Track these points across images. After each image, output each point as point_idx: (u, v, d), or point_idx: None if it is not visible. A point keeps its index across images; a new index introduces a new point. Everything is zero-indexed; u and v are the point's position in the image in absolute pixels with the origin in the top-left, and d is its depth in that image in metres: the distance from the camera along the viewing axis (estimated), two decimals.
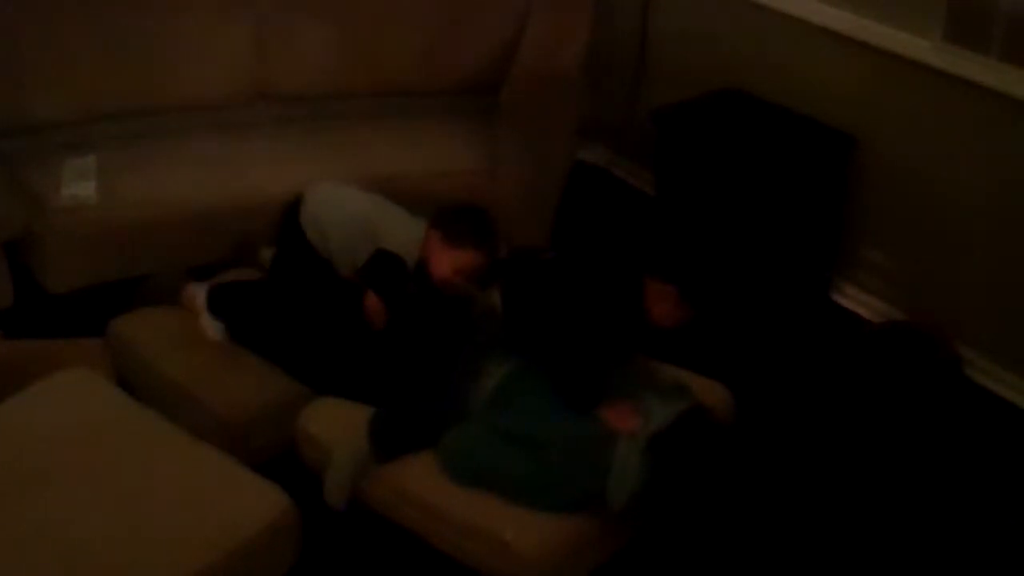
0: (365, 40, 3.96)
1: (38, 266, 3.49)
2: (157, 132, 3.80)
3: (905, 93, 3.57)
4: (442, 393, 2.80)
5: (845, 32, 3.65)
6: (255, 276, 3.33)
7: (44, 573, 2.21)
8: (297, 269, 3.27)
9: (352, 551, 2.86)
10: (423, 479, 2.69)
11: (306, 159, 3.77)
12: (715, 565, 2.88)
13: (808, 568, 2.91)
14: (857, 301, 3.92)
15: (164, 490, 2.41)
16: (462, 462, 2.68)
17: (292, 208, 3.33)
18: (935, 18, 3.40)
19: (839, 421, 3.39)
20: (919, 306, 3.72)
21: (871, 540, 2.99)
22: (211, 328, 3.09)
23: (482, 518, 2.61)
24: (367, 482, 2.75)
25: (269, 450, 2.86)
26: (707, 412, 2.70)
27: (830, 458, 3.25)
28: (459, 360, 2.84)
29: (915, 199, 3.65)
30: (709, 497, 2.61)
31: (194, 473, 2.48)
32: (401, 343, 3.01)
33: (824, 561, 2.93)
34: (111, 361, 3.04)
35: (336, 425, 2.83)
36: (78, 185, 3.49)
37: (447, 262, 3.12)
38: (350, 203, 3.32)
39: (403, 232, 3.21)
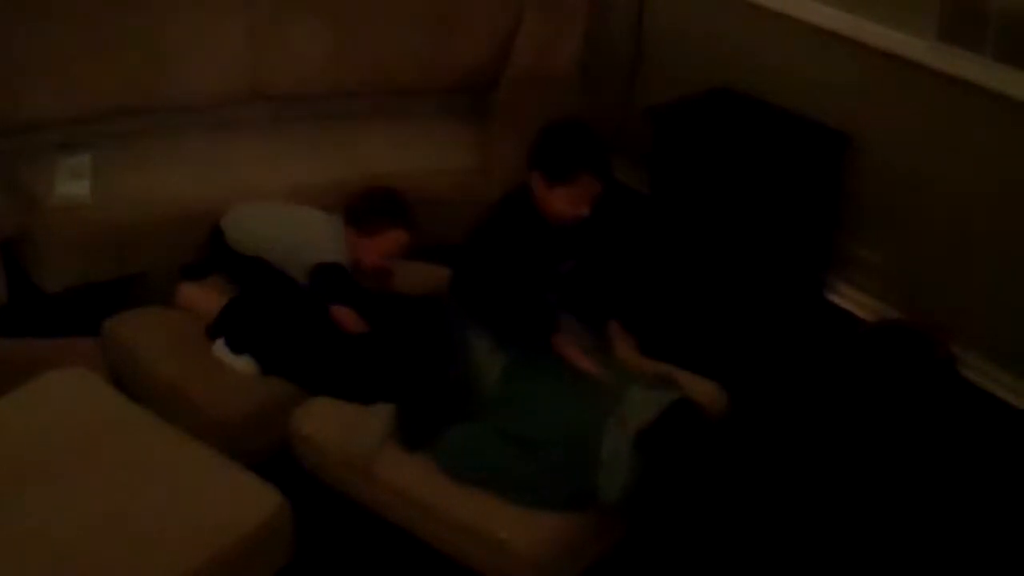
0: (360, 39, 3.96)
1: (32, 265, 3.49)
2: (152, 131, 3.80)
3: (899, 92, 3.57)
4: (449, 376, 2.82)
5: (840, 31, 3.66)
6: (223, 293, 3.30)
7: (37, 572, 2.21)
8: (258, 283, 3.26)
9: (346, 550, 2.86)
10: (418, 478, 2.69)
11: (301, 158, 3.77)
12: (708, 560, 2.88)
13: (801, 565, 2.91)
14: (851, 300, 3.92)
15: (158, 489, 2.41)
16: (459, 460, 2.69)
17: (215, 237, 3.33)
18: (929, 17, 3.40)
19: (834, 420, 3.39)
20: (913, 305, 3.73)
21: (865, 538, 3.00)
22: (244, 365, 3.03)
23: (477, 517, 2.61)
24: (363, 482, 2.76)
25: (262, 449, 2.85)
26: (694, 404, 2.70)
27: (825, 456, 3.25)
28: (450, 344, 2.86)
29: (910, 198, 3.65)
30: (700, 490, 2.61)
31: (188, 472, 2.48)
32: (387, 338, 3.03)
33: (818, 559, 2.93)
34: (105, 360, 3.03)
35: (329, 425, 2.84)
36: (72, 184, 3.49)
37: (373, 252, 3.20)
38: (263, 228, 3.31)
39: (326, 238, 3.23)
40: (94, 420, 2.59)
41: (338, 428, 2.82)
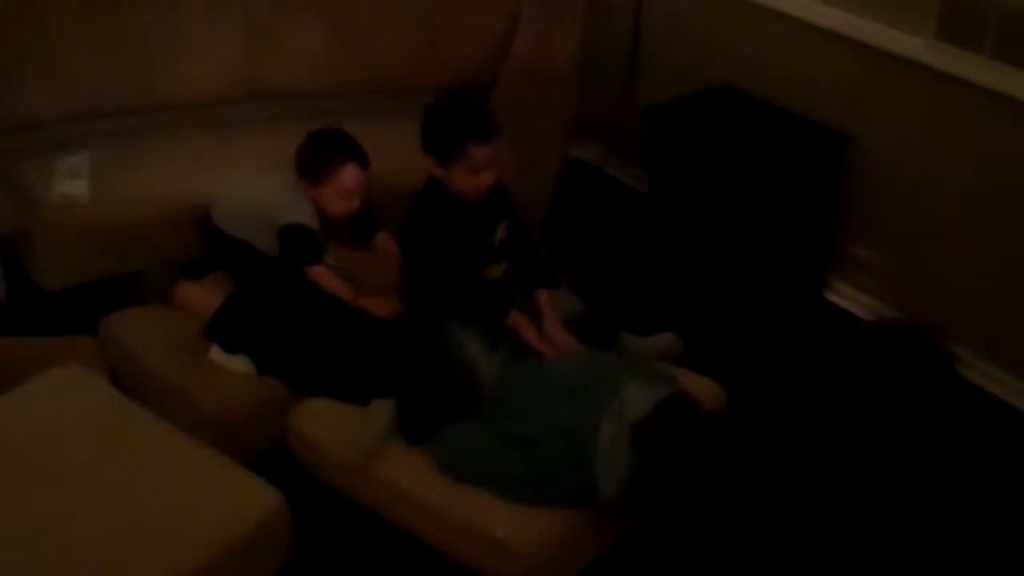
0: (356, 38, 3.96)
1: (31, 264, 3.49)
2: (149, 130, 3.80)
3: (897, 91, 3.57)
4: (449, 370, 2.82)
5: (838, 30, 3.65)
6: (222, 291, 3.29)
7: (36, 570, 2.21)
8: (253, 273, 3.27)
9: (344, 549, 2.86)
10: (415, 477, 2.69)
11: None
12: (705, 557, 2.88)
13: (798, 562, 2.91)
14: (850, 299, 3.92)
15: (156, 487, 2.41)
16: (456, 459, 2.69)
17: (207, 225, 3.35)
18: (928, 16, 3.40)
19: (832, 419, 3.39)
20: (912, 304, 3.73)
21: (863, 537, 3.00)
22: (239, 365, 3.02)
23: (475, 515, 2.61)
24: (360, 481, 2.76)
25: (260, 447, 2.85)
26: (689, 399, 2.70)
27: (823, 456, 3.25)
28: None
29: (908, 197, 3.65)
30: (696, 485, 2.61)
31: (186, 470, 2.48)
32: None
33: (815, 558, 2.93)
34: (104, 359, 3.03)
35: (327, 424, 2.84)
36: (71, 183, 3.49)
37: (332, 196, 3.15)
38: (235, 201, 3.32)
39: (286, 201, 3.20)
40: (92, 418, 2.59)
41: (336, 427, 2.82)
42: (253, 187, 3.33)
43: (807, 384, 3.53)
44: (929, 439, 3.34)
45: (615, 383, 2.75)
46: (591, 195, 4.48)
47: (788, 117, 3.83)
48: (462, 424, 2.73)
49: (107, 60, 3.66)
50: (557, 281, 3.08)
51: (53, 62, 3.59)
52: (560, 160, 4.09)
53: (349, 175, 3.16)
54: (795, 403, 3.45)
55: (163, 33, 3.73)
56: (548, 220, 3.96)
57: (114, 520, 2.32)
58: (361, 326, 3.05)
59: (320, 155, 3.17)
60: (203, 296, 3.20)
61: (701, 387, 2.92)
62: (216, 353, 3.03)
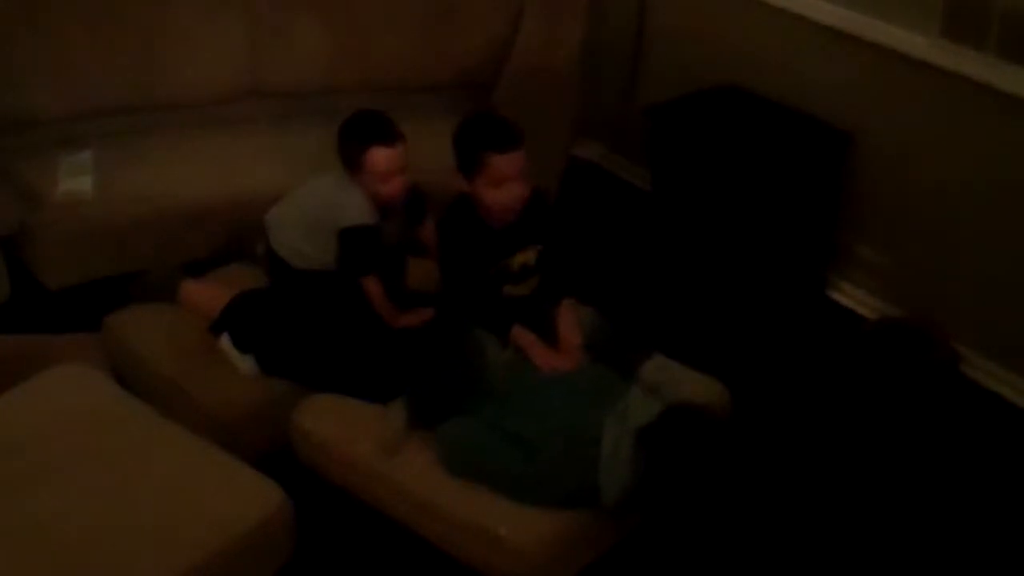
0: (359, 37, 3.96)
1: (34, 261, 3.49)
2: (153, 128, 3.81)
3: (902, 89, 3.57)
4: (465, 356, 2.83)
5: (841, 28, 3.65)
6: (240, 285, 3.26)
7: (38, 568, 2.21)
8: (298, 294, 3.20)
9: (347, 547, 2.86)
10: (418, 475, 2.69)
11: (301, 156, 3.77)
12: (709, 560, 2.88)
13: (803, 564, 2.91)
14: (853, 298, 3.92)
15: (159, 485, 2.41)
16: (459, 456, 2.69)
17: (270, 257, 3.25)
18: (932, 14, 3.40)
19: (836, 418, 3.39)
20: (915, 303, 3.72)
21: (867, 538, 2.99)
22: (246, 366, 3.00)
23: (477, 514, 2.61)
24: (362, 479, 2.76)
25: (262, 445, 2.85)
26: (696, 406, 2.70)
27: (827, 455, 3.25)
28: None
29: (911, 196, 3.65)
30: (702, 490, 2.61)
31: (189, 468, 2.48)
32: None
33: (820, 559, 2.93)
34: (107, 357, 3.04)
35: (331, 421, 2.84)
36: (74, 181, 3.50)
37: (375, 181, 3.05)
38: (292, 214, 3.22)
39: (345, 195, 3.11)
40: (95, 416, 2.59)
41: (339, 424, 2.82)
42: (306, 193, 3.24)
43: (810, 383, 3.53)
44: (933, 439, 3.33)
45: (621, 385, 2.75)
46: (594, 194, 4.48)
47: (791, 115, 3.83)
48: (466, 419, 2.73)
49: (111, 59, 3.67)
50: (570, 292, 3.04)
51: (57, 60, 3.60)
52: (563, 159, 4.09)
53: (375, 157, 3.05)
54: (798, 402, 3.44)
55: (166, 32, 3.74)
56: None
57: (116, 518, 2.32)
58: (385, 328, 3.05)
59: (349, 145, 3.10)
60: (206, 294, 3.20)
61: (706, 388, 2.91)
62: (226, 343, 3.02)
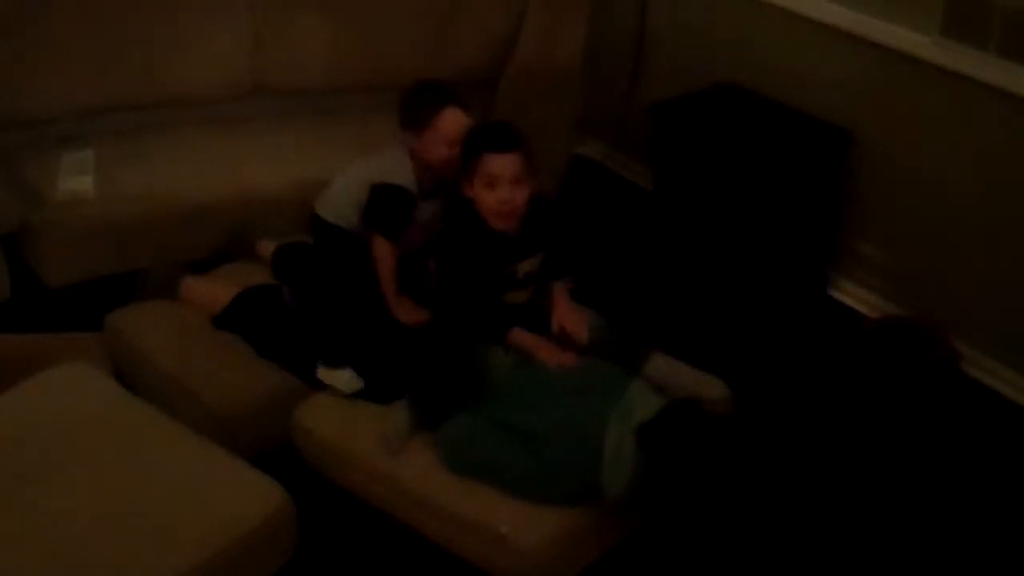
0: (362, 35, 3.96)
1: (35, 260, 3.49)
2: (154, 127, 3.80)
3: (902, 88, 3.57)
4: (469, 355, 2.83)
5: (843, 27, 3.65)
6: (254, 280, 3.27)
7: (41, 567, 2.21)
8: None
9: (348, 545, 2.86)
10: (419, 474, 2.69)
11: (303, 154, 3.77)
12: (711, 557, 2.88)
13: (803, 562, 2.91)
14: (854, 297, 3.92)
15: (161, 484, 2.41)
16: (461, 453, 2.69)
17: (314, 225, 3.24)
18: (933, 13, 3.40)
19: (836, 417, 3.39)
20: (916, 302, 3.72)
21: (868, 536, 2.99)
22: (341, 380, 2.94)
23: (478, 512, 2.61)
24: (364, 477, 2.76)
25: (265, 444, 2.86)
26: (697, 402, 2.70)
27: (828, 454, 3.25)
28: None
29: (912, 195, 3.65)
30: (703, 487, 2.61)
31: (191, 467, 2.48)
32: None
33: (820, 556, 2.93)
34: (108, 355, 3.04)
35: (332, 420, 2.84)
36: (75, 179, 3.49)
37: (437, 142, 3.02)
38: (344, 189, 3.20)
39: (389, 162, 3.10)
40: (97, 415, 2.59)
41: (341, 423, 2.82)
42: (360, 165, 3.20)
43: (811, 381, 3.53)
44: (934, 437, 3.33)
45: (624, 381, 2.75)
46: (596, 192, 4.48)
47: (793, 114, 3.83)
48: (468, 416, 2.73)
49: (112, 57, 3.66)
50: (565, 274, 3.04)
51: (58, 59, 3.59)
52: (565, 157, 4.09)
53: (451, 120, 3.02)
54: (799, 400, 3.44)
55: (168, 29, 3.73)
56: None
57: (118, 516, 2.32)
58: (390, 327, 3.04)
59: (418, 104, 3.07)
60: (208, 291, 3.21)
61: (707, 386, 2.91)
62: (323, 372, 2.96)
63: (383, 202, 3.06)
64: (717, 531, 2.89)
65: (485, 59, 4.04)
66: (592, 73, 4.16)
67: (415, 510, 2.70)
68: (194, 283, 3.25)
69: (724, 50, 4.09)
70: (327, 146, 3.81)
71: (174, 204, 3.53)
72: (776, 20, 3.87)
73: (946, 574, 2.91)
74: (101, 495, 2.36)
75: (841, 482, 3.15)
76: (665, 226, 4.06)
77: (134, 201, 3.50)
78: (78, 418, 2.56)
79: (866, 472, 3.19)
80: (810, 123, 3.79)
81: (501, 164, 2.83)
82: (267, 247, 3.38)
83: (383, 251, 3.05)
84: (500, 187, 2.83)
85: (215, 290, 3.21)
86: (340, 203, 3.16)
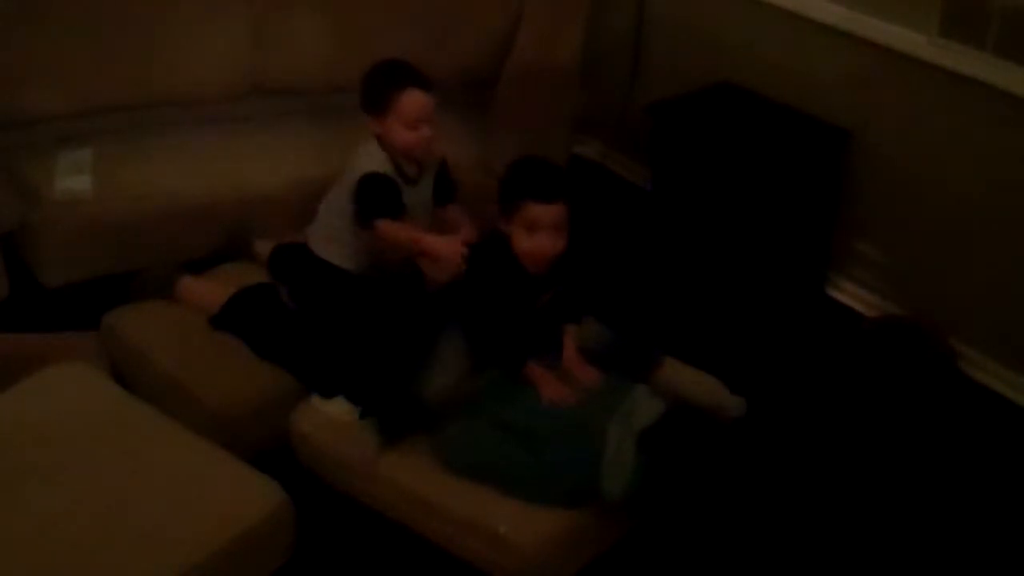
0: (361, 34, 3.95)
1: (33, 259, 3.49)
2: (153, 126, 3.80)
3: (900, 88, 3.57)
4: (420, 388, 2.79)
5: (840, 26, 3.65)
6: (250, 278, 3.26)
7: (37, 567, 2.21)
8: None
9: (347, 545, 2.86)
10: (417, 473, 2.70)
11: (301, 153, 3.77)
12: (709, 560, 2.88)
13: (803, 563, 2.91)
14: (852, 296, 3.92)
15: (159, 483, 2.41)
16: (460, 454, 2.69)
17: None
18: (930, 13, 3.40)
19: (834, 416, 3.39)
20: (914, 301, 3.73)
21: (868, 537, 3.00)
22: (340, 411, 2.89)
23: (477, 512, 2.61)
24: (361, 480, 2.76)
25: (263, 443, 2.85)
26: (701, 408, 2.70)
27: (826, 453, 3.25)
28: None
29: (910, 194, 3.65)
30: (703, 491, 2.62)
31: (189, 467, 2.48)
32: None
33: (820, 557, 2.93)
34: (106, 355, 3.03)
35: (329, 425, 2.83)
36: (73, 179, 3.49)
37: (399, 127, 2.95)
38: (327, 221, 3.13)
39: (359, 155, 3.02)
40: (95, 415, 2.59)
41: (337, 428, 2.82)
42: (335, 191, 3.11)
43: (810, 380, 3.53)
44: (931, 436, 3.34)
45: (626, 384, 2.75)
46: (594, 192, 4.48)
47: (791, 114, 3.83)
48: (468, 417, 2.72)
49: (110, 55, 3.66)
50: (579, 318, 2.97)
51: (56, 58, 3.59)
52: (563, 157, 4.09)
53: (411, 102, 2.94)
54: (798, 400, 3.45)
55: (167, 29, 3.73)
56: None
57: (116, 516, 2.32)
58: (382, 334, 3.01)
59: (375, 87, 3.01)
60: (205, 291, 3.21)
61: (705, 386, 2.91)
62: (318, 402, 2.92)
63: (369, 192, 2.96)
64: (716, 532, 2.90)
65: (483, 59, 4.03)
66: (590, 73, 4.16)
67: (414, 510, 2.70)
68: (191, 283, 3.25)
69: (722, 50, 4.09)
70: (325, 146, 3.80)
71: (172, 204, 3.53)
72: (774, 20, 3.87)
73: (945, 573, 2.91)
74: (99, 494, 2.36)
75: (840, 482, 3.15)
76: (664, 226, 4.06)
77: (132, 201, 3.50)
78: (76, 417, 2.56)
79: (865, 472, 3.19)
80: (808, 123, 3.79)
81: (545, 214, 2.75)
82: (265, 247, 3.37)
83: (386, 228, 2.95)
84: (539, 234, 2.76)
85: (212, 290, 3.20)
86: (325, 236, 3.10)
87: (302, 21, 3.89)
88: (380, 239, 2.98)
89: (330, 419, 2.85)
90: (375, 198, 2.97)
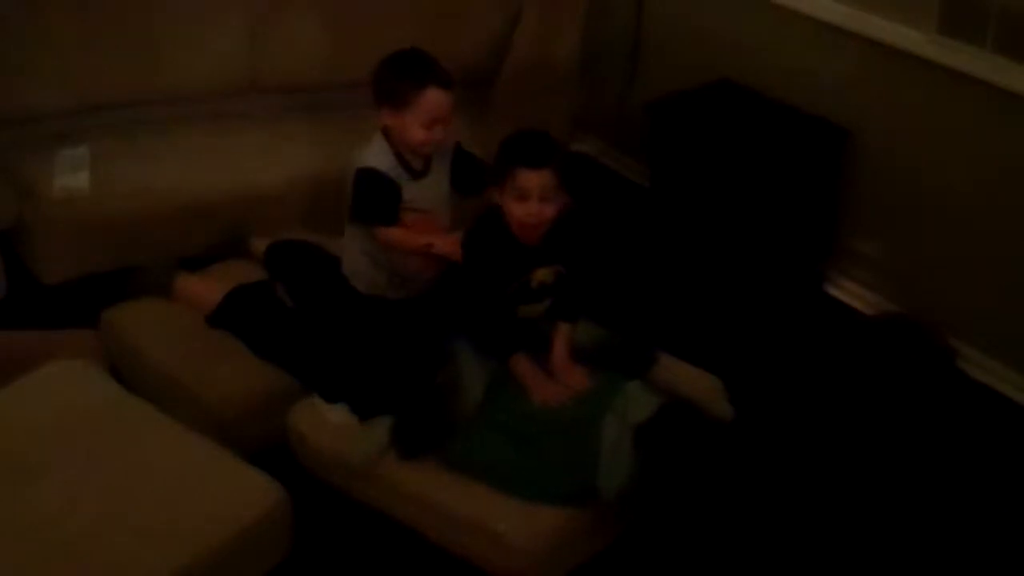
0: (358, 31, 3.95)
1: (31, 257, 3.49)
2: (150, 123, 3.80)
3: (899, 85, 3.57)
4: (438, 384, 2.78)
5: (839, 24, 3.65)
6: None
7: (37, 565, 2.21)
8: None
9: (345, 543, 2.86)
10: (416, 472, 2.69)
11: (299, 150, 3.77)
12: (707, 557, 2.88)
13: (800, 561, 2.91)
14: (850, 293, 3.92)
15: (157, 481, 2.41)
16: (458, 452, 2.68)
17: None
18: (929, 10, 3.40)
19: (832, 413, 3.39)
20: (912, 299, 3.72)
21: (865, 533, 3.00)
22: (338, 416, 2.85)
23: (475, 510, 2.61)
24: (360, 480, 2.76)
25: (262, 441, 2.85)
26: (696, 403, 2.70)
27: (824, 451, 3.25)
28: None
29: (908, 191, 3.65)
30: (700, 486, 2.61)
31: (187, 464, 2.48)
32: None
33: (817, 555, 2.93)
34: (104, 352, 3.03)
35: (327, 425, 2.83)
36: (71, 176, 3.49)
37: (416, 125, 2.86)
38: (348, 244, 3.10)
39: (368, 145, 2.93)
40: (93, 412, 2.59)
41: (334, 427, 2.81)
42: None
43: (807, 378, 3.53)
44: (929, 433, 3.33)
45: (621, 381, 2.75)
46: (592, 189, 4.47)
47: (789, 112, 3.83)
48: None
49: (108, 53, 3.66)
50: (575, 316, 2.95)
51: (55, 55, 3.59)
52: (563, 156, 4.08)
53: (431, 101, 2.84)
54: (795, 397, 3.45)
55: (165, 26, 3.73)
56: None
57: (114, 513, 2.32)
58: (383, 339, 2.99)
59: (395, 79, 2.89)
60: (203, 288, 3.20)
61: (703, 382, 2.91)
62: (318, 404, 2.89)
63: (364, 190, 2.91)
64: (713, 530, 2.89)
65: (482, 56, 4.03)
66: (589, 70, 4.16)
67: (412, 509, 2.70)
68: (189, 280, 3.25)
69: (721, 47, 4.09)
70: (323, 143, 3.80)
71: (169, 201, 3.52)
72: (773, 17, 3.87)
73: (944, 572, 2.91)
74: (97, 492, 2.36)
75: (838, 479, 3.15)
76: (662, 223, 4.06)
77: (130, 198, 3.50)
78: (74, 415, 2.56)
79: (863, 469, 3.19)
80: (807, 120, 3.78)
81: (532, 180, 2.76)
82: (261, 244, 3.37)
83: (395, 238, 2.92)
84: (529, 201, 2.78)
85: (210, 287, 3.20)
86: (351, 270, 3.06)
87: (299, 19, 3.89)
88: (386, 246, 2.94)
89: (331, 424, 2.84)
90: (369, 200, 2.92)
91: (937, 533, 3.00)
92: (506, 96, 3.86)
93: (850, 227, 3.86)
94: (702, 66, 4.11)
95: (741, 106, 3.91)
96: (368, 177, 2.90)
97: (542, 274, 2.89)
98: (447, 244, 2.92)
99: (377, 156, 2.92)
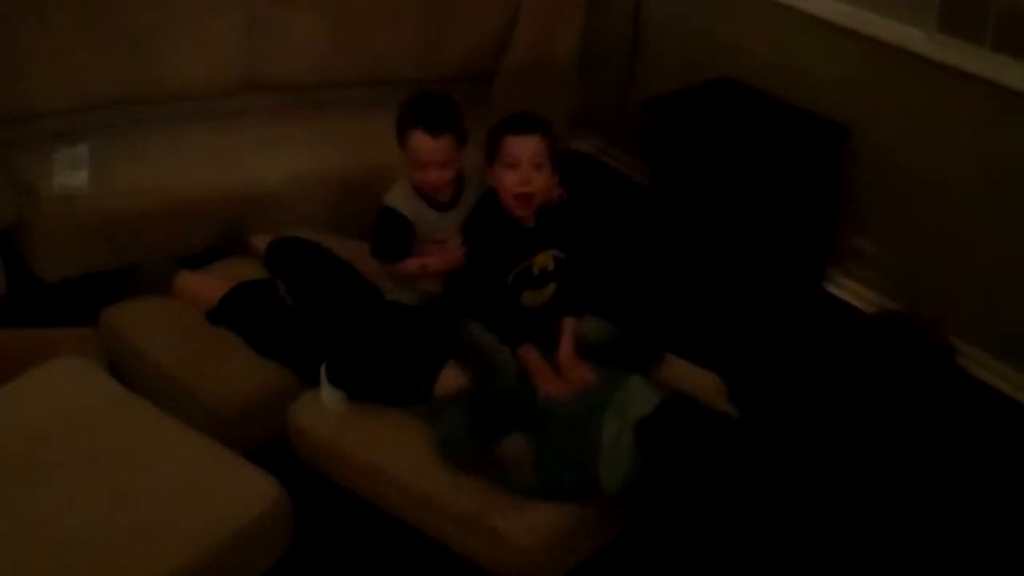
0: (357, 30, 3.96)
1: (30, 255, 3.49)
2: (150, 121, 3.80)
3: (898, 83, 3.57)
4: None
5: (839, 22, 3.65)
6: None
7: (37, 563, 2.21)
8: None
9: (345, 541, 2.86)
10: (416, 468, 2.69)
11: (298, 149, 3.77)
12: (708, 553, 2.88)
13: (800, 557, 2.91)
14: (849, 291, 3.92)
15: (157, 479, 2.41)
16: (457, 448, 2.68)
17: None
18: (929, 8, 3.40)
19: (832, 411, 3.39)
20: (912, 297, 3.73)
21: (865, 531, 3.00)
22: (332, 400, 2.87)
23: (475, 507, 2.61)
24: (360, 474, 2.76)
25: (261, 439, 2.85)
26: (697, 399, 2.70)
27: (823, 449, 3.25)
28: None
29: (908, 189, 3.65)
30: (701, 482, 2.61)
31: (186, 462, 2.48)
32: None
33: (816, 552, 2.93)
34: (103, 350, 3.03)
35: (327, 419, 2.83)
36: (70, 174, 3.49)
37: (414, 165, 2.90)
38: None
39: (395, 185, 3.00)
40: (92, 410, 2.59)
41: (335, 421, 2.82)
42: None
43: (807, 376, 3.53)
44: (928, 431, 3.34)
45: (622, 376, 2.75)
46: (591, 187, 4.48)
47: (788, 109, 3.83)
48: (465, 411, 2.72)
49: (107, 51, 3.66)
50: (580, 311, 2.96)
51: (54, 53, 3.59)
52: (561, 153, 4.08)
53: (415, 142, 2.87)
54: (795, 395, 3.45)
55: (164, 25, 3.73)
56: None
57: (113, 511, 2.31)
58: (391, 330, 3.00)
59: (400, 117, 2.95)
60: (202, 286, 3.20)
61: (703, 380, 2.91)
62: (323, 380, 2.91)
63: (382, 229, 2.98)
64: (714, 526, 2.90)
65: (481, 54, 4.03)
66: (588, 68, 4.16)
67: (411, 506, 2.70)
68: (189, 278, 3.25)
69: (720, 45, 4.09)
70: (322, 141, 3.81)
71: (169, 199, 3.52)
72: (772, 15, 3.87)
73: (943, 571, 2.91)
74: (96, 490, 2.36)
75: (838, 476, 3.15)
76: (661, 221, 4.06)
77: (129, 196, 3.50)
78: (73, 413, 2.56)
79: (863, 466, 3.19)
80: (806, 118, 3.79)
81: (521, 145, 2.82)
82: (261, 241, 3.37)
83: (396, 269, 2.98)
84: (520, 168, 2.81)
85: (210, 285, 3.20)
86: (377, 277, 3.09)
87: (298, 17, 3.89)
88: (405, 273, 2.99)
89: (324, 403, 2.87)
90: (381, 238, 2.99)
91: (936, 530, 3.01)
92: (506, 95, 3.86)
93: (849, 225, 3.86)
94: (701, 64, 4.11)
95: (740, 104, 3.91)
96: (384, 216, 2.97)
97: (542, 259, 2.92)
98: (439, 260, 2.96)
99: (398, 192, 2.98)
